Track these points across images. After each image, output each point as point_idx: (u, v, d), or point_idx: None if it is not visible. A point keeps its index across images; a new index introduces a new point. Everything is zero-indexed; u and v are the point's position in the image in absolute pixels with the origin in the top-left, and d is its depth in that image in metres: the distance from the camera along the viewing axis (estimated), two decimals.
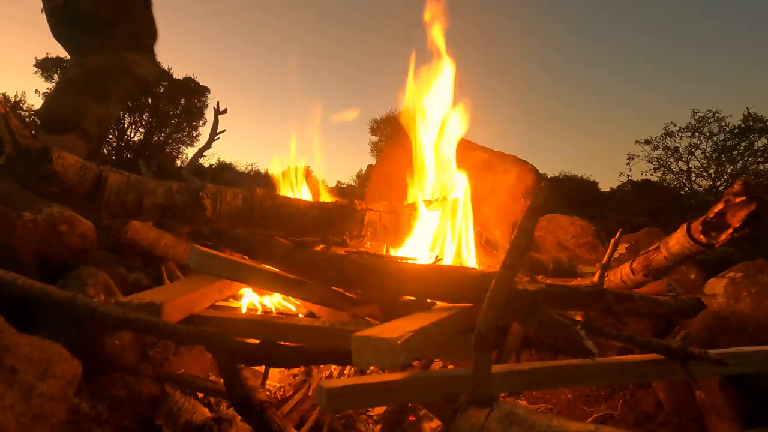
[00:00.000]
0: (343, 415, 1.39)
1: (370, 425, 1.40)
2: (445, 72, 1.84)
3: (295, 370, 1.53)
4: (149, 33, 2.57)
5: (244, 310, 1.46)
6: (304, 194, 1.96)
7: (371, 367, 1.11)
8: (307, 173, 2.04)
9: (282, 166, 2.01)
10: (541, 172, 3.13)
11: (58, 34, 2.55)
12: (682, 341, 1.01)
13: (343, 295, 1.30)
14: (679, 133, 11.17)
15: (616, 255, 1.47)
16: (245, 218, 1.34)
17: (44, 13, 2.52)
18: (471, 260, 1.67)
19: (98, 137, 2.47)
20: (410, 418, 1.35)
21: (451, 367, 1.43)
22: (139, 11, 2.52)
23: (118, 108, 2.51)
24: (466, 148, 2.82)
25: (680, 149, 11.14)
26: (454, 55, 1.83)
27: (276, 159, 2.02)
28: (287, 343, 1.11)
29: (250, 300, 1.51)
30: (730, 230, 1.11)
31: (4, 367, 0.72)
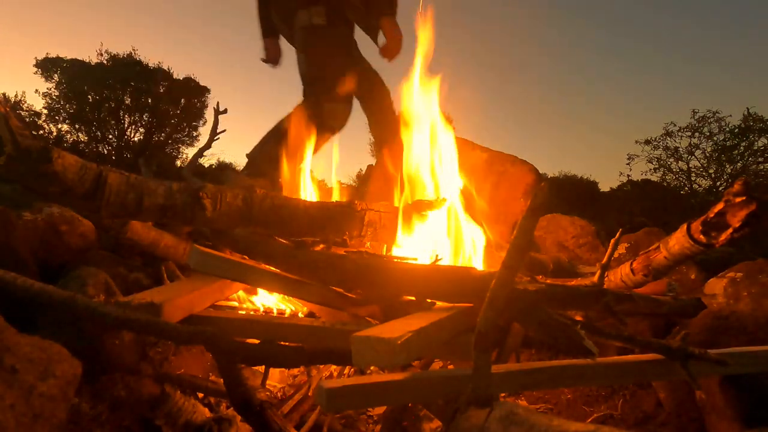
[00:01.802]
0: (343, 415, 1.39)
1: (370, 425, 1.39)
2: (444, 71, 1.84)
3: (295, 371, 1.53)
4: (347, 81, 2.41)
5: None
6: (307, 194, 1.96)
7: (371, 367, 1.11)
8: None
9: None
10: (541, 172, 3.12)
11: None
12: (682, 341, 1.01)
13: (343, 295, 1.30)
14: (679, 133, 11.19)
15: (616, 255, 1.47)
16: (245, 218, 1.34)
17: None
18: (471, 260, 1.67)
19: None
20: (410, 418, 1.35)
21: (451, 367, 1.43)
22: (345, 64, 2.42)
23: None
24: (465, 148, 2.82)
25: (680, 149, 11.16)
26: (454, 55, 1.83)
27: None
28: (287, 343, 1.11)
29: (249, 300, 1.51)
30: (730, 230, 1.11)
31: (4, 367, 0.72)
